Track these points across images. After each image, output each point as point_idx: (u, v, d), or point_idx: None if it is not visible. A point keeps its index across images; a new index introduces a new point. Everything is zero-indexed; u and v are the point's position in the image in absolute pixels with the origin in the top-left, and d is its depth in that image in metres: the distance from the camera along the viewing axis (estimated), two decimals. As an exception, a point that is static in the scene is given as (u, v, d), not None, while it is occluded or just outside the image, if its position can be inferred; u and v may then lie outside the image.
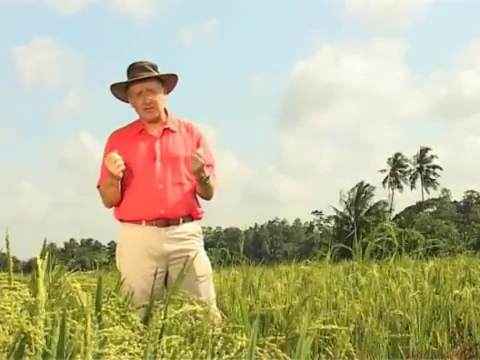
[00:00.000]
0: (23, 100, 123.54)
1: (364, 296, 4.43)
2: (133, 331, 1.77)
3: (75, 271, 2.54)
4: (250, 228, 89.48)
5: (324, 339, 2.94)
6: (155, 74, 3.64)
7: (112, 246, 78.56)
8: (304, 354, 1.64)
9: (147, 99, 3.58)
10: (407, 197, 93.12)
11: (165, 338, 1.70)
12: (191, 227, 3.63)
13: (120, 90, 3.69)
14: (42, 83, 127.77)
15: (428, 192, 75.33)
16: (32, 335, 1.50)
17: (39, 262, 1.75)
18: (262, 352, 1.77)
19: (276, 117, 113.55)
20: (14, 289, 1.74)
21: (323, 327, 2.44)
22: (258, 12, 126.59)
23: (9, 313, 1.59)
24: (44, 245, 2.13)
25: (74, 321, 1.65)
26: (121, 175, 3.45)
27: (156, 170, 3.56)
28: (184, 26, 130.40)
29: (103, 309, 1.75)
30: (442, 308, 4.86)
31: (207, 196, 3.71)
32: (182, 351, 1.74)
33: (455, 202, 78.79)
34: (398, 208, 72.62)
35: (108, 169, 3.43)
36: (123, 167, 3.42)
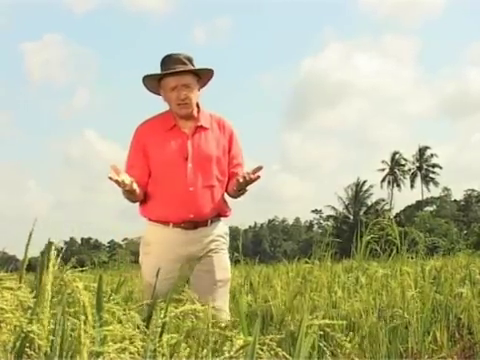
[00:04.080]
0: (30, 97, 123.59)
1: (364, 295, 4.43)
2: (133, 330, 1.78)
3: (75, 270, 2.54)
4: (250, 227, 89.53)
5: (323, 338, 2.95)
6: (192, 68, 3.47)
7: (112, 245, 78.68)
8: (303, 352, 1.65)
9: (182, 94, 3.42)
10: (407, 196, 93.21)
11: (165, 337, 1.71)
12: (219, 228, 3.56)
13: (152, 82, 3.53)
14: (50, 80, 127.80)
15: (429, 190, 75.34)
16: (33, 335, 1.51)
17: (50, 266, 1.75)
18: (262, 350, 1.78)
19: (283, 115, 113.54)
20: (11, 289, 1.75)
21: (320, 322, 2.45)
22: (270, 9, 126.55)
23: (10, 313, 1.59)
24: (49, 244, 2.14)
25: (75, 320, 1.66)
26: (134, 186, 3.32)
27: (187, 172, 3.43)
28: (196, 24, 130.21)
29: (104, 308, 1.75)
30: (442, 307, 4.86)
31: (237, 197, 3.63)
32: (182, 349, 1.75)
33: (455, 201, 78.77)
34: (398, 207, 72.68)
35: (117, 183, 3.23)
36: (131, 181, 3.25)
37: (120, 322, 1.81)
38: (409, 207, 71.63)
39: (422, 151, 75.62)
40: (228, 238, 3.63)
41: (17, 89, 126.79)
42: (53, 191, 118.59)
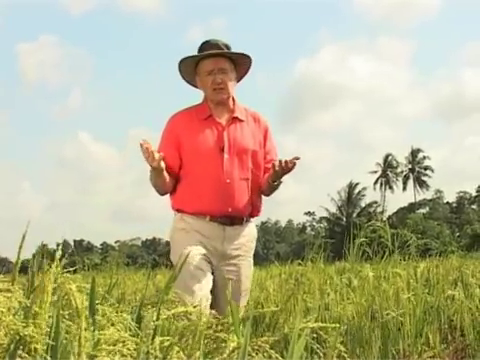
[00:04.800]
0: (25, 97, 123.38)
1: (356, 297, 4.44)
2: (125, 332, 1.78)
3: (68, 272, 2.54)
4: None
5: (316, 340, 2.96)
6: (228, 51, 3.41)
7: (104, 247, 78.53)
8: (296, 354, 1.65)
9: (218, 78, 3.34)
10: (399, 198, 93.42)
11: (158, 339, 1.71)
12: (252, 230, 3.49)
13: (188, 68, 3.43)
14: (45, 81, 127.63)
15: (423, 192, 75.52)
16: (29, 338, 1.51)
17: (54, 267, 1.75)
18: (255, 353, 1.78)
19: (277, 116, 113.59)
20: (8, 291, 1.75)
21: (313, 325, 2.45)
22: (265, 10, 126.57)
23: (4, 315, 1.59)
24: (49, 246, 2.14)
25: (69, 322, 1.66)
26: (162, 166, 3.18)
27: (224, 163, 3.33)
28: (192, 24, 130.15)
29: (97, 310, 1.76)
30: (434, 309, 4.88)
31: (269, 194, 3.54)
32: (174, 351, 1.75)
33: (448, 203, 78.99)
34: (390, 209, 72.83)
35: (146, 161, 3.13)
36: (160, 156, 3.12)
37: (113, 324, 1.81)
38: (402, 209, 71.77)
39: (415, 153, 75.81)
40: (255, 243, 3.54)
41: (12, 89, 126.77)
42: (47, 192, 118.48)
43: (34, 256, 2.04)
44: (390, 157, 75.90)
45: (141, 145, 3.05)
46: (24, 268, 2.02)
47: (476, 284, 5.37)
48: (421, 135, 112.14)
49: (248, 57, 3.44)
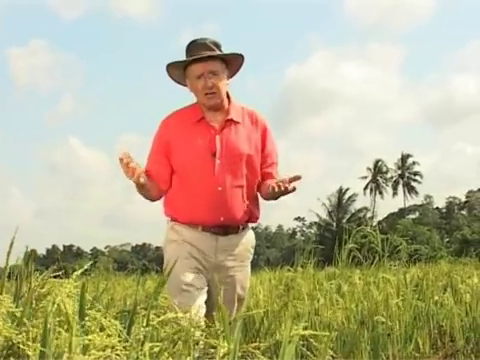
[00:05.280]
0: (16, 102, 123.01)
1: (346, 303, 4.44)
2: (115, 337, 1.77)
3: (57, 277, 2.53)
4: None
5: (306, 346, 2.95)
6: (219, 53, 3.19)
7: (94, 252, 78.31)
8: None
9: (209, 82, 3.14)
10: (389, 203, 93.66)
11: (147, 345, 1.70)
12: (249, 238, 3.32)
13: (177, 71, 3.25)
14: (36, 86, 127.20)
15: (412, 197, 75.73)
16: (21, 345, 1.50)
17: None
18: (245, 358, 1.78)
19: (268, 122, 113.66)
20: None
21: (305, 333, 2.45)
22: (256, 16, 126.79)
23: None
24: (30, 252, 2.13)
25: (59, 328, 1.65)
26: (142, 181, 3.03)
27: (215, 169, 3.14)
28: (183, 29, 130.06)
29: (87, 316, 1.75)
30: (424, 314, 4.89)
31: (269, 200, 3.34)
32: (164, 357, 1.75)
33: (437, 208, 79.26)
34: (381, 214, 72.98)
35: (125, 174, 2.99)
36: (140, 172, 2.98)
37: (102, 329, 1.80)
38: (392, 214, 71.89)
39: (404, 159, 76.02)
40: (253, 251, 3.39)
41: (2, 94, 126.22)
42: (36, 198, 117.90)
43: (22, 262, 2.03)
44: (380, 163, 76.07)
45: (120, 160, 2.93)
46: (12, 273, 2.01)
47: (465, 290, 5.39)
48: (411, 140, 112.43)
49: (240, 55, 3.25)
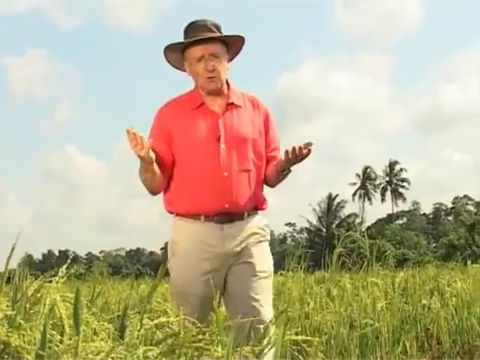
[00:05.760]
0: (13, 111, 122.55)
1: (336, 306, 4.45)
2: (107, 341, 1.77)
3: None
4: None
5: (297, 350, 2.95)
6: (220, 35, 2.98)
7: (89, 257, 78.15)
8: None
9: (209, 65, 2.92)
10: (378, 209, 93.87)
11: (142, 348, 1.70)
12: (257, 221, 3.03)
13: (175, 54, 3.03)
14: (33, 95, 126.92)
15: (397, 205, 75.96)
16: (18, 348, 1.49)
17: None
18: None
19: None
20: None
21: (296, 338, 2.45)
22: (248, 25, 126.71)
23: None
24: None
25: (53, 332, 1.64)
26: (152, 156, 2.77)
27: (220, 154, 2.91)
28: (178, 40, 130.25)
29: (82, 320, 1.74)
30: (411, 317, 4.90)
31: (275, 185, 3.14)
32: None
33: (424, 214, 79.49)
34: (370, 220, 73.15)
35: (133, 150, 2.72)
36: (149, 144, 2.72)
37: (96, 333, 1.79)
38: (380, 220, 72.04)
39: (392, 166, 76.24)
40: (268, 231, 3.10)
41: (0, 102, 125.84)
42: (33, 204, 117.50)
43: (19, 266, 2.03)
44: (369, 169, 76.23)
45: (127, 131, 2.69)
46: (11, 278, 2.01)
47: (451, 293, 5.40)
48: (400, 148, 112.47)
49: (241, 37, 3.04)
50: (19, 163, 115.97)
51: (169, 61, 3.08)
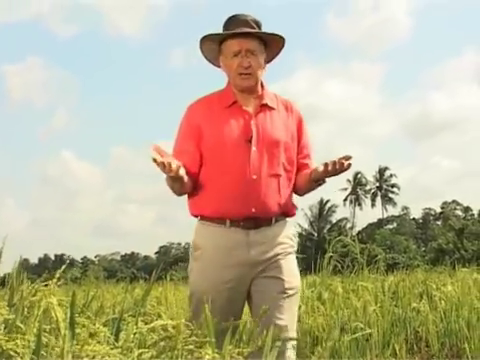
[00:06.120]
0: (11, 117, 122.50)
1: (327, 310, 4.45)
2: (102, 344, 1.76)
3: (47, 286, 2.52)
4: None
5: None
6: (260, 31, 2.80)
7: (85, 261, 77.93)
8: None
9: (245, 62, 2.74)
10: (368, 214, 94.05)
11: (136, 351, 1.70)
12: (285, 228, 2.84)
13: (211, 46, 2.86)
14: (31, 101, 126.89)
15: (387, 210, 76.13)
16: (12, 353, 1.49)
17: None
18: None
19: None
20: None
21: (288, 338, 2.45)
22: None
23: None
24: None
25: (50, 336, 1.64)
26: (182, 173, 2.57)
27: (250, 156, 2.72)
28: (173, 48, 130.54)
29: (77, 323, 1.74)
30: (401, 321, 4.90)
31: (304, 194, 2.97)
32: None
33: (414, 219, 79.68)
34: (360, 225, 73.28)
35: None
36: (177, 166, 2.51)
37: (91, 336, 1.79)
38: (371, 225, 72.20)
39: (382, 171, 76.43)
40: (296, 241, 2.93)
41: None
42: (30, 209, 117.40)
43: (15, 270, 2.02)
44: (359, 175, 76.41)
45: (154, 161, 2.47)
46: (4, 282, 2.00)
47: (440, 297, 5.41)
48: (390, 154, 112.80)
49: (281, 38, 2.85)
50: (17, 168, 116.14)
51: (203, 52, 2.91)
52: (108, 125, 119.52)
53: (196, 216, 2.85)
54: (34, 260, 78.70)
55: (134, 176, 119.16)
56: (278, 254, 2.75)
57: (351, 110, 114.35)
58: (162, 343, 1.86)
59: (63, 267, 1.96)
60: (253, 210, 2.70)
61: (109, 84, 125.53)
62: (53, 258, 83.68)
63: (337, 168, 2.66)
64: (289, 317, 2.70)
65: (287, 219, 2.87)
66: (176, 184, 2.70)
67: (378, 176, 76.53)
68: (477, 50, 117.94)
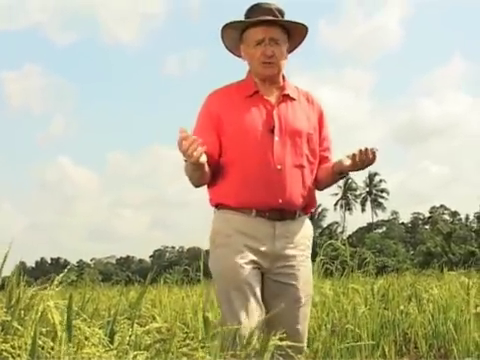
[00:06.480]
0: (9, 123, 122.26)
1: (318, 312, 4.45)
2: (98, 346, 1.76)
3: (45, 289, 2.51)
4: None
5: (279, 354, 2.95)
6: (284, 20, 2.68)
7: (80, 265, 77.63)
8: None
9: (268, 50, 2.63)
10: (358, 219, 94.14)
11: (131, 354, 1.70)
12: (307, 226, 2.76)
13: (233, 34, 2.72)
14: (29, 108, 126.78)
15: (376, 214, 76.23)
16: (8, 354, 1.49)
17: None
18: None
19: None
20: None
21: (281, 343, 2.45)
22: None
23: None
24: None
25: (46, 339, 1.64)
26: (203, 160, 2.44)
27: (274, 146, 2.61)
28: (168, 56, 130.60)
29: (73, 326, 1.74)
30: (390, 323, 4.91)
31: (324, 188, 2.86)
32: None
33: (403, 223, 79.79)
34: (351, 229, 73.37)
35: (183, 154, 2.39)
36: (202, 150, 2.38)
37: (86, 338, 1.79)
38: (361, 229, 72.25)
39: (371, 177, 76.53)
40: (312, 241, 2.82)
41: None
42: (27, 213, 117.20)
43: (13, 273, 2.02)
44: (350, 180, 76.44)
45: (181, 135, 2.35)
46: (3, 285, 2.00)
47: (428, 299, 5.42)
48: (380, 159, 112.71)
49: (305, 26, 2.73)
50: (15, 173, 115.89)
51: (224, 41, 2.78)
52: (104, 131, 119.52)
53: (217, 205, 2.72)
54: (31, 263, 78.38)
55: (130, 181, 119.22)
56: (297, 255, 2.66)
57: (343, 117, 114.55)
58: (157, 345, 1.86)
59: (65, 271, 1.96)
60: (280, 201, 2.60)
61: (105, 91, 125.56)
62: (49, 261, 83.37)
63: (364, 159, 2.56)
64: (303, 326, 2.65)
65: (306, 214, 2.77)
66: (196, 173, 2.58)
67: (368, 181, 76.62)
68: (465, 58, 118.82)
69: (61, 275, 1.89)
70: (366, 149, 2.56)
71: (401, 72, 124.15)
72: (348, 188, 76.27)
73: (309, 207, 2.76)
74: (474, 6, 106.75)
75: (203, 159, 2.43)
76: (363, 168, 2.63)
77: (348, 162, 2.61)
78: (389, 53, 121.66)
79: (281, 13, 2.68)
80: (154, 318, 2.73)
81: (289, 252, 2.63)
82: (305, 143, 2.69)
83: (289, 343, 2.17)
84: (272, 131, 2.63)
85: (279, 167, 2.60)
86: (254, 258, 2.57)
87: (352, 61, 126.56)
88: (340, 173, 2.71)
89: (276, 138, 2.62)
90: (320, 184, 2.80)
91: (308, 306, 2.71)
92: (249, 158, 2.61)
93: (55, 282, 1.86)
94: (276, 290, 2.62)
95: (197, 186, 2.70)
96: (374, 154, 2.57)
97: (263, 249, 2.59)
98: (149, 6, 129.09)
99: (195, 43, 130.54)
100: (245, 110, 2.66)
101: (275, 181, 2.59)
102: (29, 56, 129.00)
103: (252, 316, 2.48)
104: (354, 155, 2.56)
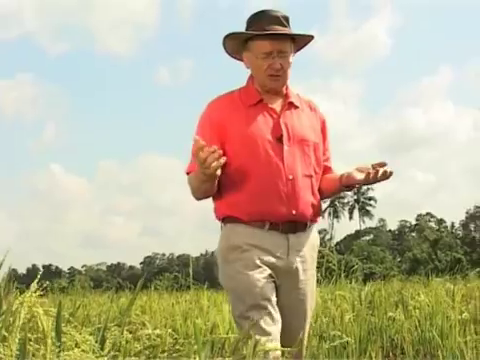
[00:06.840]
0: (1, 131, 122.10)
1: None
2: (88, 353, 1.75)
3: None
4: (201, 254, 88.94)
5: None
6: (295, 33, 2.56)
7: (71, 271, 77.34)
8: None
9: (276, 63, 2.50)
10: (346, 227, 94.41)
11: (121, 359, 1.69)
12: (315, 237, 2.66)
13: (235, 41, 2.58)
14: (21, 116, 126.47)
15: (364, 222, 76.40)
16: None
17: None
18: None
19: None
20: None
21: (269, 348, 2.44)
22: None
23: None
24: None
25: (36, 345, 1.63)
26: (218, 173, 2.30)
27: (284, 155, 2.49)
28: (159, 65, 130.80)
29: (63, 333, 1.73)
30: (377, 329, 4.91)
31: (326, 198, 2.76)
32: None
33: (390, 231, 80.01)
34: (338, 236, 73.47)
35: (198, 166, 2.27)
36: (222, 162, 2.24)
37: (76, 344, 1.78)
38: (348, 236, 72.37)
39: (359, 185, 76.72)
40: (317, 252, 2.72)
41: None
42: (19, 220, 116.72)
43: (3, 280, 2.01)
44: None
45: (197, 145, 2.22)
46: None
47: (415, 306, 5.43)
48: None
49: (312, 37, 2.62)
50: (7, 181, 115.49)
51: (226, 49, 2.65)
52: (96, 139, 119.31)
53: (225, 218, 2.57)
54: (22, 270, 77.97)
55: (121, 189, 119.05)
56: (307, 270, 2.58)
57: (331, 126, 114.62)
58: (147, 352, 1.85)
59: (36, 280, 1.95)
60: (294, 212, 2.48)
61: (97, 99, 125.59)
62: (41, 268, 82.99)
63: (378, 177, 2.45)
64: (305, 336, 2.59)
65: (314, 225, 2.66)
66: (204, 185, 2.44)
67: (356, 189, 76.81)
68: (452, 69, 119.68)
69: (35, 281, 1.87)
70: (385, 171, 2.46)
71: (389, 82, 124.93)
72: (336, 196, 76.48)
73: (316, 218, 2.65)
74: (461, 16, 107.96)
75: (218, 173, 2.30)
76: (376, 183, 2.53)
77: (360, 176, 2.51)
78: (377, 63, 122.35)
79: (287, 21, 2.56)
80: (144, 324, 2.72)
81: (300, 266, 2.54)
82: (312, 152, 2.59)
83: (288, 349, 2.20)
84: (280, 140, 2.52)
85: (291, 177, 2.49)
86: (270, 272, 2.47)
87: (340, 71, 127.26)
88: (348, 186, 2.61)
89: (285, 147, 2.51)
90: (322, 194, 2.69)
91: (309, 319, 2.65)
92: (259, 168, 2.48)
93: (37, 288, 1.83)
94: (285, 302, 2.52)
95: (201, 199, 2.56)
96: (391, 172, 2.48)
97: (277, 263, 2.48)
98: (141, 16, 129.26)
99: (186, 53, 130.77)
100: (250, 119, 2.53)
101: (288, 192, 2.48)
102: (21, 65, 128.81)
103: (278, 326, 2.42)
104: (368, 173, 2.46)
